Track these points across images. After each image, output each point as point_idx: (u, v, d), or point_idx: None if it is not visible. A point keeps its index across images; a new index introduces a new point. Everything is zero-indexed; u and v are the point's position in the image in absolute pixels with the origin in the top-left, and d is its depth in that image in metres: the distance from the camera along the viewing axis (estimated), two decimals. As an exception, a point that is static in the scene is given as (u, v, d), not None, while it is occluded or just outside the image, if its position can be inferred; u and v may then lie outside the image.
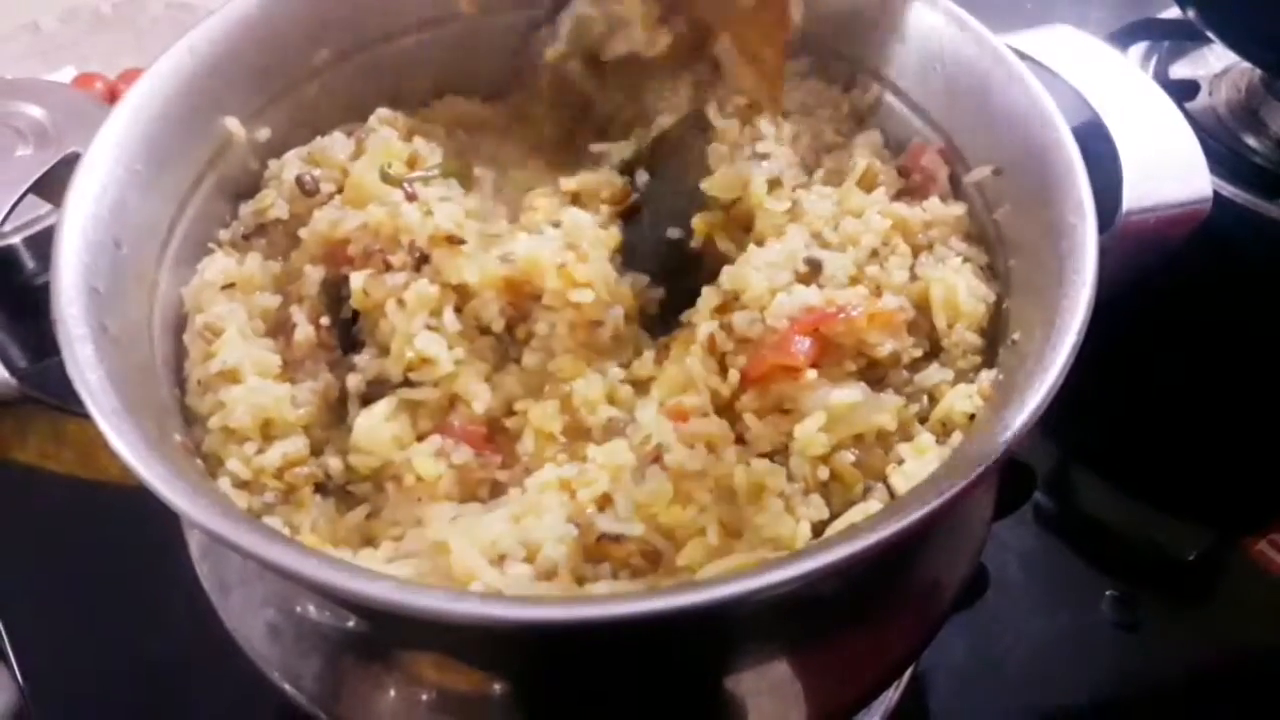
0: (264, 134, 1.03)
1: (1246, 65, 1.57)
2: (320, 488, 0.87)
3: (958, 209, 0.97)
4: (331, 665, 0.94)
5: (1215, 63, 1.64)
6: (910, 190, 1.01)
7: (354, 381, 0.89)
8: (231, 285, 0.95)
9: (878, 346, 0.88)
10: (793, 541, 0.78)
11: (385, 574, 0.74)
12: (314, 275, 0.95)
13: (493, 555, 0.77)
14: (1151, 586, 1.32)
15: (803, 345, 0.85)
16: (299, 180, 0.99)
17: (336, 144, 1.02)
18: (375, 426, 0.85)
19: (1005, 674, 1.25)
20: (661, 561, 0.77)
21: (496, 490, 0.84)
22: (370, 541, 0.83)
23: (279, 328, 0.95)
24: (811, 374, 0.84)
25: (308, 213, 0.99)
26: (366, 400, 0.89)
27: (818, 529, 0.80)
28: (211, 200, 1.01)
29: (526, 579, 0.76)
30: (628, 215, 0.93)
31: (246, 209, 1.01)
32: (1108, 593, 1.30)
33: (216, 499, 0.76)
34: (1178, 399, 1.43)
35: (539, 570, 0.77)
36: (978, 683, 1.24)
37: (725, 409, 0.87)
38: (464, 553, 0.76)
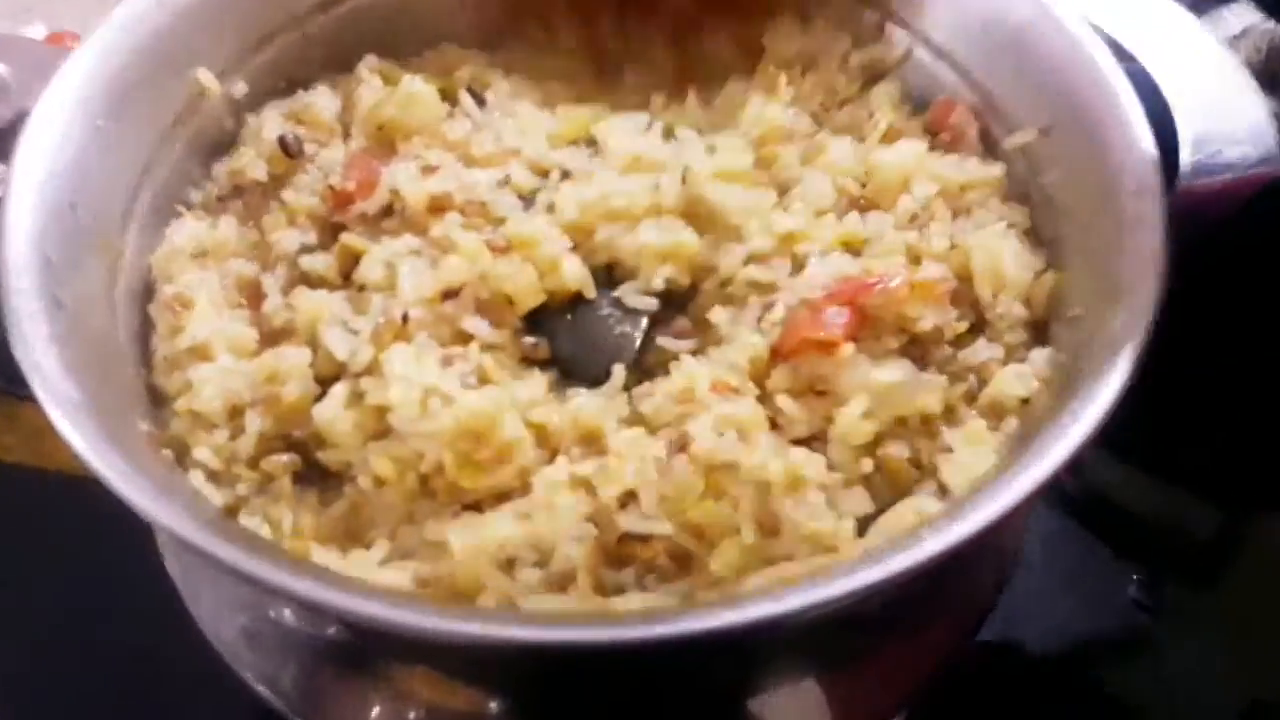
0: (240, 88, 0.95)
1: (1267, 26, 1.48)
2: (300, 477, 0.79)
3: (996, 169, 0.90)
4: (311, 674, 0.87)
5: (1234, 23, 1.55)
6: (937, 149, 0.93)
7: (289, 364, 0.81)
8: (203, 252, 0.88)
9: (919, 320, 0.80)
10: (834, 539, 0.71)
11: (379, 589, 0.65)
12: (288, 240, 0.89)
13: (500, 558, 0.69)
14: (1175, 569, 1.25)
15: (839, 318, 0.78)
16: (281, 140, 0.92)
17: (321, 99, 0.96)
18: (334, 417, 0.77)
19: (1027, 657, 1.18)
20: (692, 564, 0.70)
21: (499, 499, 0.75)
22: (358, 538, 0.76)
23: (255, 299, 0.87)
24: (849, 349, 0.77)
25: (289, 175, 0.93)
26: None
27: (861, 525, 0.74)
28: (182, 159, 0.93)
29: (540, 586, 0.69)
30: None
31: (220, 169, 0.94)
32: (1132, 575, 1.23)
33: (184, 497, 0.70)
34: (1201, 378, 1.35)
35: (553, 575, 0.69)
36: (999, 666, 1.17)
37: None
38: (468, 555, 0.69)
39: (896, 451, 0.76)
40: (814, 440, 0.77)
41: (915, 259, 0.84)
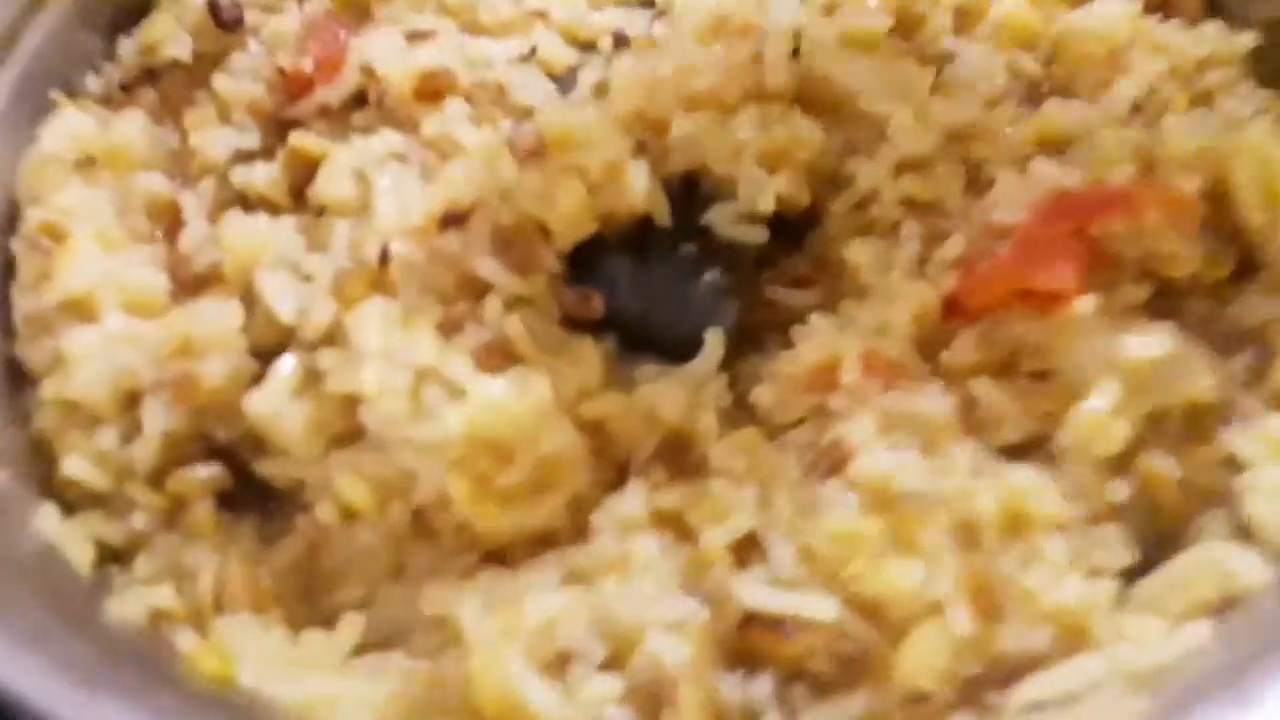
0: (151, -73, 0.83)
1: None
2: (230, 501, 0.65)
3: (1246, 38, 0.73)
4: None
5: None
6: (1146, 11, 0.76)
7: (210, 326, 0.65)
8: (91, 160, 0.74)
9: (1174, 259, 0.62)
10: (1088, 617, 0.52)
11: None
12: (219, 143, 0.75)
13: (546, 652, 0.52)
14: None
15: (1064, 255, 0.61)
16: (212, 5, 0.79)
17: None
18: (278, 410, 0.61)
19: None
20: (869, 668, 0.52)
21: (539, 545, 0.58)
22: (316, 599, 0.61)
23: (175, 229, 0.73)
24: (1085, 304, 0.59)
25: (223, 53, 0.79)
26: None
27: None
28: (66, 29, 0.79)
29: (619, 710, 0.50)
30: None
31: (129, 45, 0.81)
32: None
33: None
34: None
35: (637, 687, 0.51)
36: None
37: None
38: (489, 647, 0.51)
39: (1163, 467, 0.57)
40: (1031, 449, 0.59)
41: (1146, 167, 0.66)
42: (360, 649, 0.56)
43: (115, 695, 0.43)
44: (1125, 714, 0.47)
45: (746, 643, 0.53)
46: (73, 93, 0.79)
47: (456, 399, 0.59)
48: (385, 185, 0.68)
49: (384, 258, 0.65)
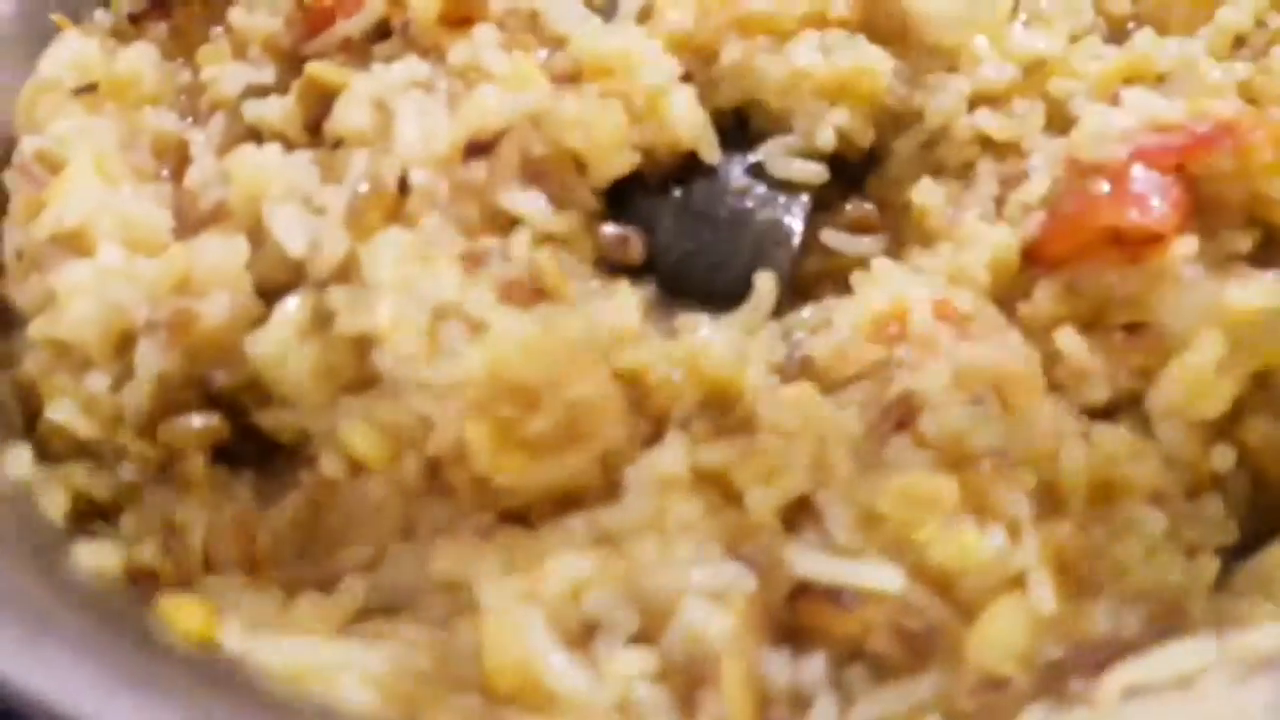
0: None
1: None
2: (227, 454, 0.60)
3: None
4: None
5: None
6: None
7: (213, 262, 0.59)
8: (93, 87, 0.71)
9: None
10: (1187, 597, 0.50)
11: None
12: (231, 78, 0.71)
13: (569, 621, 0.48)
14: None
15: (1162, 192, 0.55)
16: None
17: None
18: (283, 352, 0.56)
19: None
20: (937, 646, 0.48)
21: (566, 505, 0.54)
22: (318, 560, 0.57)
23: (183, 168, 0.70)
24: (1186, 246, 0.55)
25: None
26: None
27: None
28: None
29: (650, 688, 0.46)
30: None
31: None
32: None
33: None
34: None
35: (671, 663, 0.47)
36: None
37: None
38: (506, 617, 0.47)
39: (1270, 434, 0.54)
40: (1121, 409, 0.56)
41: (1250, 103, 0.62)
42: (363, 614, 0.52)
43: (66, 645, 0.38)
44: (1245, 705, 0.41)
45: (797, 616, 0.49)
46: (68, 16, 0.75)
47: (478, 336, 0.54)
48: (407, 111, 0.62)
49: (403, 186, 0.60)
